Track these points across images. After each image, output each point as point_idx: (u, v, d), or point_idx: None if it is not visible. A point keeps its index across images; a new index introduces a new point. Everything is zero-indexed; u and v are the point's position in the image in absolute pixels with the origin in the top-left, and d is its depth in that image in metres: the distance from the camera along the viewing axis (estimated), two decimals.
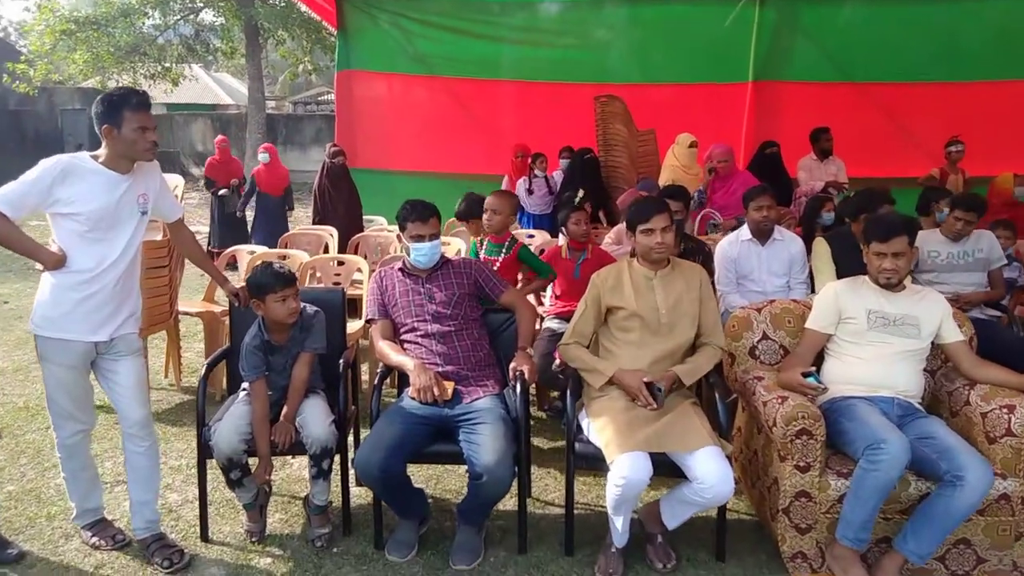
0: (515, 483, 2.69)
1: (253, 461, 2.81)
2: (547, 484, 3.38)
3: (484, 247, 4.12)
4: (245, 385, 2.92)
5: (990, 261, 4.03)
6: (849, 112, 7.87)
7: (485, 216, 4.07)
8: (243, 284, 3.14)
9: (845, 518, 2.52)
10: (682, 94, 8.28)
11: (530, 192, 7.03)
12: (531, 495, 3.21)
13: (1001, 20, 7.79)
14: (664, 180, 6.29)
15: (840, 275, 3.68)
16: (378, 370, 3.00)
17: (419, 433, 2.70)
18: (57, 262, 2.54)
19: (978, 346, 2.98)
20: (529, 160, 7.18)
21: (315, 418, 2.76)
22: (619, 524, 2.62)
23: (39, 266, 2.58)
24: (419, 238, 2.95)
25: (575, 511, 2.83)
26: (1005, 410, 2.57)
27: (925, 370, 2.88)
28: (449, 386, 2.79)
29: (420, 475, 3.37)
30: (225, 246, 7.06)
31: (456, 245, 5.01)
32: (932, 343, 2.83)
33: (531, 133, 7.85)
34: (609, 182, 6.92)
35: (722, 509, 2.69)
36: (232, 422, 2.75)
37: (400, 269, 3.07)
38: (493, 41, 8.59)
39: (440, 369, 2.85)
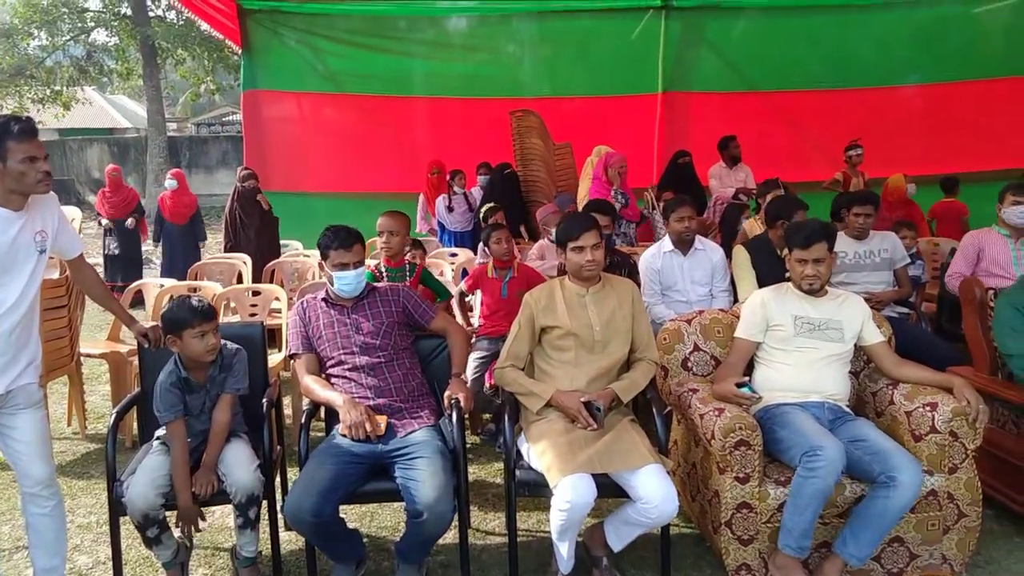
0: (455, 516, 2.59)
1: (171, 515, 2.61)
2: (485, 512, 3.29)
3: (383, 274, 3.84)
4: (159, 433, 2.71)
5: (895, 260, 4.20)
6: (753, 120, 8.21)
7: (382, 239, 3.81)
8: (153, 323, 2.93)
9: (786, 527, 2.53)
10: (595, 106, 8.42)
11: (450, 209, 6.96)
12: (470, 525, 3.11)
13: (883, 29, 8.28)
14: (582, 193, 6.34)
15: (760, 282, 3.76)
16: (304, 407, 2.85)
17: (352, 472, 2.56)
18: None
19: (895, 344, 3.08)
20: (447, 177, 7.10)
21: (239, 464, 2.59)
22: (564, 550, 2.56)
23: None
24: (343, 266, 2.82)
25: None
26: (928, 408, 2.65)
27: (850, 372, 2.95)
28: (382, 420, 2.66)
29: (353, 512, 3.22)
30: (124, 281, 6.71)
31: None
32: (855, 345, 2.90)
33: (446, 149, 7.81)
34: (529, 196, 6.93)
35: (665, 526, 2.66)
36: (147, 475, 2.54)
37: (323, 299, 2.92)
38: (403, 57, 8.53)
39: (371, 403, 2.72)
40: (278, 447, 3.07)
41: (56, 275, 3.90)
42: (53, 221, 2.53)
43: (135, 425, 3.18)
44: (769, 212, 4.10)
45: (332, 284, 2.88)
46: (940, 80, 8.41)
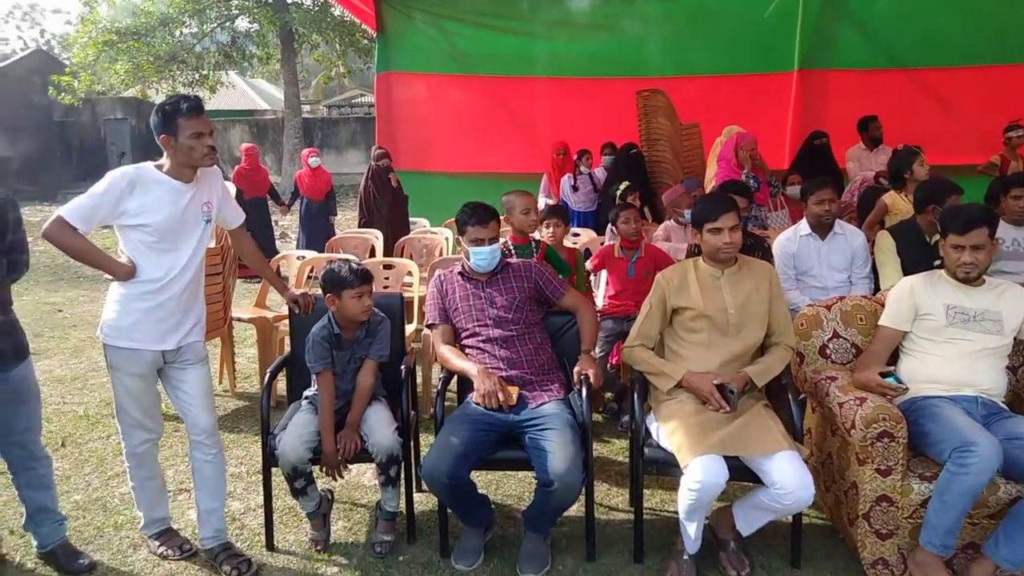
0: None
1: (317, 470, 2.80)
2: (608, 489, 3.33)
3: (512, 251, 3.77)
4: (308, 392, 2.91)
5: None
6: (898, 99, 7.67)
7: (522, 216, 3.74)
8: (303, 291, 3.14)
9: (930, 523, 2.42)
10: (724, 85, 8.14)
11: (575, 189, 6.97)
12: (595, 500, 3.15)
13: None
14: (710, 174, 6.18)
15: (905, 269, 3.56)
16: (441, 375, 2.97)
17: (485, 439, 2.66)
18: (128, 273, 2.56)
19: None
20: (574, 157, 7.10)
21: (380, 425, 2.75)
22: (691, 530, 2.56)
23: (108, 277, 2.60)
24: (479, 242, 2.91)
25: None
26: None
27: (1007, 367, 2.76)
28: (514, 391, 2.75)
29: (481, 480, 3.32)
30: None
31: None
32: (1015, 339, 2.71)
33: (569, 129, 7.80)
34: (654, 177, 6.83)
35: (798, 515, 2.61)
36: (297, 430, 2.74)
37: (460, 273, 3.03)
38: (527, 37, 8.58)
39: (504, 374, 2.81)
40: (412, 412, 3.22)
41: (212, 244, 4.22)
42: (218, 193, 2.76)
43: (281, 386, 3.42)
44: (919, 196, 3.86)
45: (468, 259, 2.98)
46: None
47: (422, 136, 8.71)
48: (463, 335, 2.97)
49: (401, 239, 6.00)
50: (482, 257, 2.92)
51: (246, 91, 28.53)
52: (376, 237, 5.90)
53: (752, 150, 5.68)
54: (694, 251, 3.20)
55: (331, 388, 2.79)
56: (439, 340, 2.99)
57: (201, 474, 2.79)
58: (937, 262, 2.80)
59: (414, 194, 7.41)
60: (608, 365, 4.05)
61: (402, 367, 2.99)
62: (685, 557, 2.61)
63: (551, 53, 8.61)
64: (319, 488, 2.91)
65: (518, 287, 2.97)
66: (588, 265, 4.28)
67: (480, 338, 2.91)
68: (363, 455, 2.76)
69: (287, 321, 3.40)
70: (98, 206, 2.48)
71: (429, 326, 3.07)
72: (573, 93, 8.50)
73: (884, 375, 2.63)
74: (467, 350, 2.94)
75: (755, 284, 2.79)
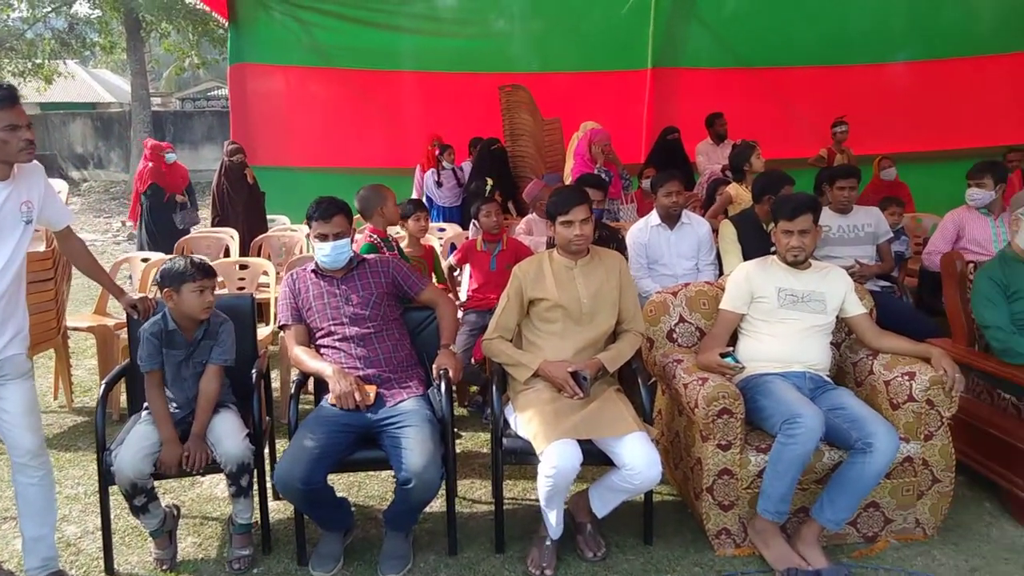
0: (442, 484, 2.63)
1: (159, 485, 2.63)
2: (472, 481, 3.34)
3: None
4: (148, 404, 2.73)
5: (878, 235, 4.24)
6: (742, 96, 8.17)
7: (395, 208, 3.85)
8: (142, 295, 2.94)
9: (765, 492, 2.60)
10: (584, 82, 8.37)
11: (439, 184, 6.95)
12: (457, 494, 3.16)
13: (878, 6, 8.27)
14: (569, 169, 6.34)
15: (746, 256, 3.80)
16: (294, 378, 2.87)
17: (341, 441, 2.59)
18: None
19: (876, 317, 3.13)
20: (436, 152, 7.07)
21: (228, 434, 2.61)
22: (552, 516, 2.61)
23: None
24: (323, 237, 2.83)
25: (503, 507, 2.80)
26: (906, 377, 2.71)
27: (831, 343, 3.00)
28: (371, 390, 2.69)
29: (341, 483, 3.26)
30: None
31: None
32: (837, 317, 2.95)
33: (435, 124, 7.77)
34: (517, 172, 6.92)
35: (648, 493, 2.72)
36: (135, 443, 2.56)
37: (313, 271, 2.94)
38: (393, 31, 8.44)
39: (360, 373, 2.75)
40: (267, 418, 3.09)
41: (42, 248, 3.88)
42: (39, 191, 2.52)
43: (123, 399, 3.19)
44: (756, 188, 4.13)
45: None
46: (930, 57, 8.43)
47: (282, 130, 8.38)
48: (318, 335, 2.88)
49: (258, 238, 5.76)
50: (324, 253, 2.84)
51: (88, 82, 26.44)
52: (231, 236, 5.63)
53: (605, 146, 5.88)
54: (552, 243, 3.26)
55: (161, 388, 2.64)
56: (292, 341, 2.88)
57: (26, 499, 2.55)
58: (774, 247, 3.00)
59: (274, 191, 7.12)
60: (472, 359, 4.07)
61: (253, 371, 2.86)
62: (547, 543, 2.66)
63: (417, 47, 8.52)
64: (163, 504, 2.74)
65: (375, 283, 2.92)
66: (452, 259, 4.29)
67: (336, 337, 2.83)
68: (213, 466, 2.62)
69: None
70: None
71: (281, 327, 2.96)
72: (439, 88, 8.46)
73: (724, 356, 2.79)
74: (323, 350, 2.86)
75: (606, 274, 2.88)
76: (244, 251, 5.67)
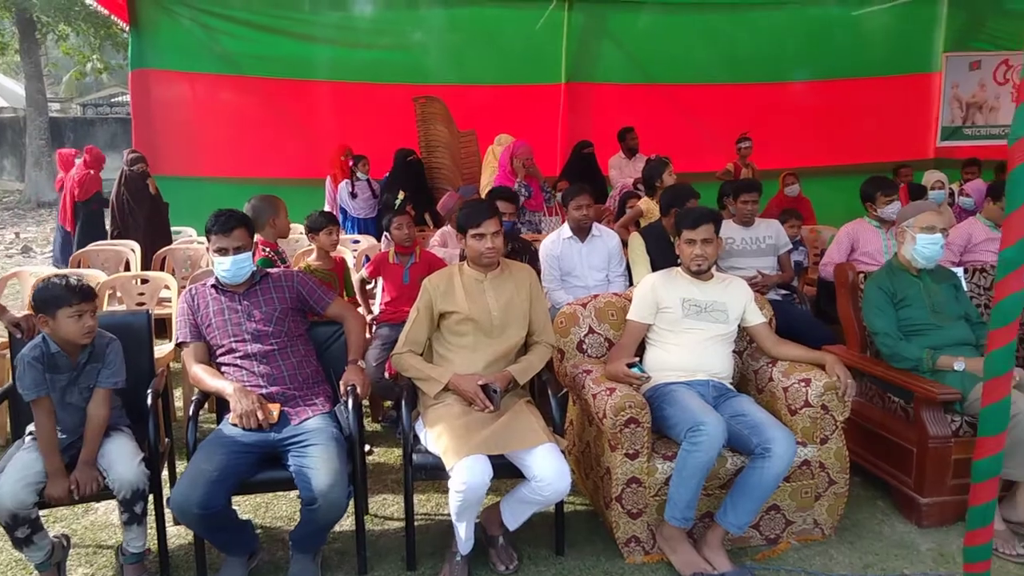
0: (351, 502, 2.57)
1: (44, 514, 2.47)
2: (384, 498, 3.29)
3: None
4: (31, 428, 2.56)
5: (778, 246, 4.44)
6: (652, 112, 8.44)
7: (287, 220, 3.75)
8: (26, 312, 2.77)
9: (671, 499, 2.65)
10: (500, 95, 8.44)
11: (353, 196, 6.84)
12: (368, 512, 3.10)
13: (773, 28, 8.71)
14: (485, 181, 6.36)
15: (655, 267, 3.90)
16: (194, 397, 2.75)
17: (243, 462, 2.50)
18: None
19: (776, 325, 3.26)
20: (349, 163, 6.97)
21: (121, 458, 2.48)
22: (463, 531, 2.59)
23: None
24: (222, 251, 2.72)
25: (415, 523, 2.76)
26: (803, 383, 2.83)
27: (734, 351, 3.11)
28: (275, 408, 2.61)
29: (247, 504, 3.15)
30: None
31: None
32: (738, 326, 3.06)
33: (350, 135, 7.66)
34: (433, 183, 6.90)
35: (559, 504, 2.74)
36: (17, 472, 2.40)
37: (213, 286, 2.82)
38: (306, 40, 8.30)
39: (264, 391, 2.67)
40: (166, 440, 2.96)
41: None
42: None
43: (8, 422, 2.99)
44: (663, 201, 4.24)
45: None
46: (826, 77, 8.92)
47: (188, 139, 8.08)
48: (219, 352, 2.77)
49: (162, 250, 5.52)
50: (223, 268, 2.73)
51: None
52: (132, 249, 5.37)
53: (527, 159, 5.92)
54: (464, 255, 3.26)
55: (51, 415, 2.48)
56: (191, 359, 2.76)
57: None
58: (679, 259, 3.08)
59: (180, 201, 6.85)
60: (385, 373, 4.01)
61: (148, 391, 2.73)
62: (458, 559, 2.64)
63: (331, 58, 8.39)
64: (52, 534, 2.57)
65: (278, 298, 2.84)
66: (364, 272, 4.22)
67: (237, 354, 2.74)
68: (105, 492, 2.48)
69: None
70: None
71: (179, 345, 2.83)
72: (354, 98, 8.36)
73: (630, 366, 2.84)
74: (223, 368, 2.75)
75: (516, 286, 2.89)
76: (146, 264, 5.43)
